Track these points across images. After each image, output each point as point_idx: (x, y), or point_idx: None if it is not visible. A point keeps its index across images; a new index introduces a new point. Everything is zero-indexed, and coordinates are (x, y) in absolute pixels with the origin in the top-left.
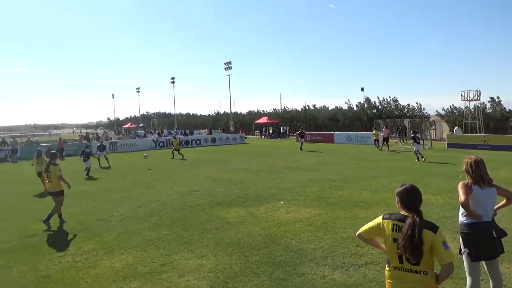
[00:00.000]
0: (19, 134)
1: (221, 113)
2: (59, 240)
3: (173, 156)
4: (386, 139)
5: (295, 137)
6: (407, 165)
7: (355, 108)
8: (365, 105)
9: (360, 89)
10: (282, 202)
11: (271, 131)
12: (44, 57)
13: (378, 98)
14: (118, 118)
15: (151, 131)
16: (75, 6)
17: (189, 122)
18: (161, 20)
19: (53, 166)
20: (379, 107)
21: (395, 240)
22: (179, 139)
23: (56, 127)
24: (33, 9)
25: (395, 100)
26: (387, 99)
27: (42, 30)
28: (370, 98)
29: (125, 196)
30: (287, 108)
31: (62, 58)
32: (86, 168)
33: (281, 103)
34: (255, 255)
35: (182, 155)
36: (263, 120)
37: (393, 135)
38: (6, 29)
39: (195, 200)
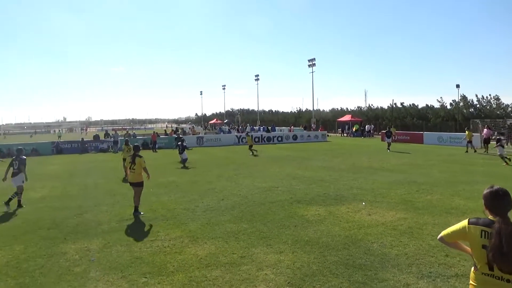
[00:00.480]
0: (119, 127)
1: (303, 110)
2: (151, 225)
3: (252, 153)
4: (486, 141)
5: (380, 136)
6: (509, 171)
7: (448, 107)
8: (461, 104)
9: (455, 86)
10: (364, 203)
11: (354, 130)
12: (140, 57)
13: (476, 96)
14: (205, 114)
15: (235, 127)
16: (167, 9)
17: (271, 119)
18: (248, 18)
19: (138, 158)
20: (477, 105)
21: (484, 247)
22: (252, 135)
23: (150, 121)
24: (130, 12)
25: (497, 98)
26: (487, 97)
27: (138, 32)
28: (466, 95)
29: (209, 188)
30: (372, 106)
31: (156, 58)
32: (182, 159)
33: (365, 100)
34: (334, 255)
35: (253, 151)
36: (346, 118)
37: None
38: (108, 32)
39: (275, 196)
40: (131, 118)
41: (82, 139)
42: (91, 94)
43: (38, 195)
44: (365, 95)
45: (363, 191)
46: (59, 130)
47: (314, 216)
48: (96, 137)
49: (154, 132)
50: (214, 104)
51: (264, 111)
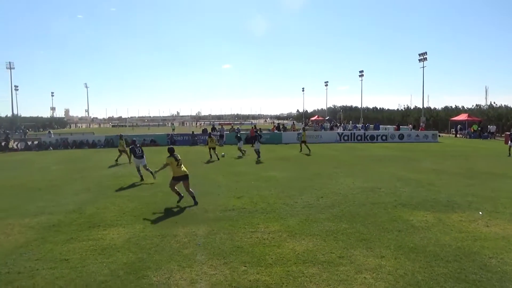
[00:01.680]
0: (226, 122)
1: (411, 108)
2: (252, 217)
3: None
4: None
5: (504, 139)
6: None
7: None
8: None
9: None
10: (481, 212)
11: (473, 130)
12: (246, 54)
13: None
14: (306, 111)
15: (337, 124)
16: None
17: (376, 117)
18: (352, 11)
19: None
20: None
21: None
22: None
23: (254, 117)
24: (236, 10)
25: None
26: None
27: (245, 30)
28: None
29: (308, 185)
30: (494, 104)
31: (261, 56)
32: (256, 150)
33: (486, 98)
34: (443, 267)
35: (308, 147)
36: (462, 117)
37: None
38: (218, 31)
39: (377, 197)
40: (236, 114)
41: (193, 132)
42: (202, 90)
43: (153, 180)
44: (486, 92)
45: (480, 199)
46: (173, 124)
47: (420, 222)
48: (204, 130)
49: (252, 127)
50: (316, 101)
51: (367, 108)
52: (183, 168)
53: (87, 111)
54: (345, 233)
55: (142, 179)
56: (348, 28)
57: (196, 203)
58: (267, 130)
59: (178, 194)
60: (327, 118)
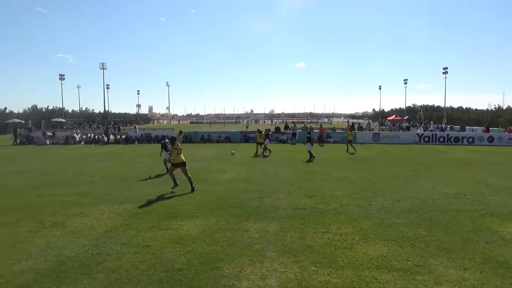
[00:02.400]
0: (298, 121)
1: (504, 108)
2: (323, 217)
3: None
4: None
5: None
6: None
7: None
8: None
9: None
10: None
11: None
12: (321, 52)
13: None
14: (383, 110)
15: (416, 125)
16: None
17: (461, 117)
18: (432, 4)
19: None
20: None
21: None
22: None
23: (327, 116)
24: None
25: None
26: None
27: (320, 27)
28: None
29: (384, 187)
30: None
31: (337, 54)
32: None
33: None
34: None
35: (347, 148)
36: None
37: None
38: (293, 29)
39: (461, 204)
40: (309, 112)
41: (266, 129)
42: (275, 88)
43: (228, 176)
44: None
45: None
46: (247, 121)
47: None
48: (277, 129)
49: (321, 125)
50: (393, 100)
51: (451, 108)
52: (182, 156)
53: (168, 108)
54: (424, 240)
55: (167, 171)
56: (430, 22)
57: (193, 190)
58: (341, 129)
59: (174, 181)
60: (405, 117)
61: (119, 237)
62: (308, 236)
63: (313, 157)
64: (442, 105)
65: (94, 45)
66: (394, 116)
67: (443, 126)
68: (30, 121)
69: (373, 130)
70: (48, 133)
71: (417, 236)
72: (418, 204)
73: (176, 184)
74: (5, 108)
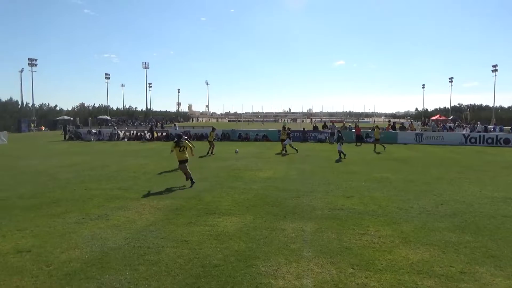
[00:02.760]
0: (337, 120)
1: None
2: (361, 219)
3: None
4: None
5: None
6: None
7: None
8: None
9: None
10: None
11: None
12: (362, 50)
13: None
14: (426, 109)
15: (462, 125)
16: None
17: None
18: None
19: (186, 142)
20: None
21: None
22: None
23: (367, 115)
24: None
25: None
26: None
27: (360, 25)
28: None
29: (426, 190)
30: None
31: (378, 52)
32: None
33: None
34: None
35: (374, 148)
36: None
37: None
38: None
39: (510, 210)
40: (348, 111)
41: (304, 128)
42: (314, 87)
43: (265, 175)
44: None
45: None
46: (284, 120)
47: None
48: (315, 128)
49: (356, 125)
50: (437, 99)
51: (501, 108)
52: (186, 154)
53: (207, 106)
54: (469, 246)
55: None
56: (478, 17)
57: (192, 184)
58: (382, 129)
59: (190, 178)
60: (451, 117)
61: (159, 231)
62: (346, 238)
63: (344, 155)
64: (491, 105)
65: (137, 45)
66: (438, 115)
67: (487, 126)
68: (78, 118)
69: (415, 130)
70: (93, 131)
71: (462, 241)
72: (463, 208)
73: (192, 181)
74: (56, 106)
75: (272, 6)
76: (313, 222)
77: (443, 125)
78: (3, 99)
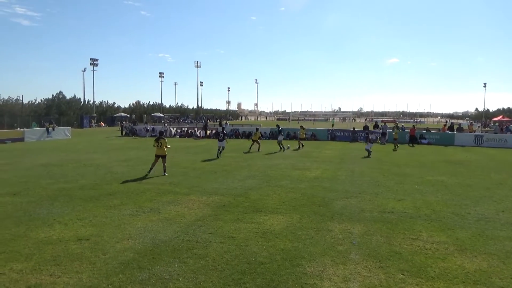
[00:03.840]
0: (388, 119)
1: None
2: (413, 223)
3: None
4: None
5: None
6: None
7: None
8: None
9: None
10: None
11: None
12: (416, 48)
13: None
14: (488, 110)
15: None
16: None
17: None
18: None
19: (162, 139)
20: None
21: None
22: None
23: (421, 115)
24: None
25: None
26: None
27: (417, 21)
28: None
29: (485, 195)
30: None
31: (434, 49)
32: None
33: None
34: None
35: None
36: None
37: None
38: (386, 24)
39: None
40: (401, 111)
41: (353, 128)
42: (365, 85)
43: (313, 174)
44: None
45: None
46: (333, 119)
47: None
48: (365, 127)
49: (413, 126)
50: (500, 98)
51: None
52: (164, 149)
53: (256, 104)
54: None
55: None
56: None
57: (164, 173)
58: (437, 130)
59: (151, 168)
60: None
61: (207, 226)
62: (396, 242)
63: (369, 153)
64: None
65: (190, 45)
66: (501, 116)
67: None
68: (133, 115)
69: (474, 132)
70: (148, 127)
71: None
72: None
73: (151, 170)
74: (114, 103)
75: (322, 4)
76: (361, 224)
77: (506, 127)
78: (68, 97)
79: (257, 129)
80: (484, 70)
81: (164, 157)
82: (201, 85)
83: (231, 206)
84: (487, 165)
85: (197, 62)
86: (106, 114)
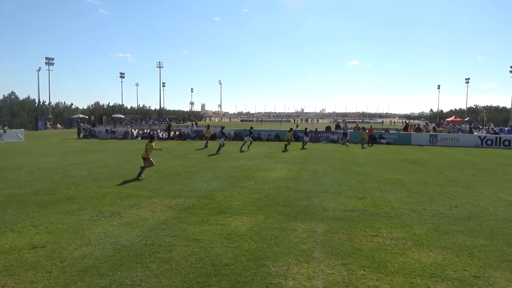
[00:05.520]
0: (350, 120)
1: None
2: (373, 220)
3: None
4: None
5: None
6: None
7: None
8: None
9: None
10: None
11: None
12: (377, 51)
13: None
14: (442, 111)
15: (478, 127)
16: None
17: None
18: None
19: (149, 143)
20: None
21: None
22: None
23: (380, 116)
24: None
25: None
26: None
27: (377, 25)
28: None
29: (440, 192)
30: None
31: (393, 52)
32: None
33: None
34: None
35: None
36: None
37: None
38: (346, 28)
39: None
40: (361, 112)
41: (316, 129)
42: (327, 87)
43: (277, 175)
44: None
45: None
46: (296, 120)
47: None
48: (328, 128)
49: (371, 126)
50: (453, 100)
51: None
52: (145, 152)
53: (220, 106)
54: (483, 250)
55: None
56: (496, 15)
57: (138, 175)
58: (395, 130)
59: (141, 172)
60: (466, 119)
61: (171, 229)
62: (357, 239)
63: (304, 145)
64: (508, 106)
65: (152, 45)
66: (453, 117)
67: (508, 128)
68: (93, 117)
69: (429, 132)
70: (113, 129)
71: (476, 245)
72: (478, 212)
73: (140, 174)
74: (71, 104)
75: (286, 6)
76: (324, 223)
77: (458, 126)
78: (21, 98)
79: (208, 126)
80: (439, 73)
81: (143, 159)
82: (163, 86)
83: (195, 208)
84: (441, 163)
85: (159, 62)
86: (63, 116)
